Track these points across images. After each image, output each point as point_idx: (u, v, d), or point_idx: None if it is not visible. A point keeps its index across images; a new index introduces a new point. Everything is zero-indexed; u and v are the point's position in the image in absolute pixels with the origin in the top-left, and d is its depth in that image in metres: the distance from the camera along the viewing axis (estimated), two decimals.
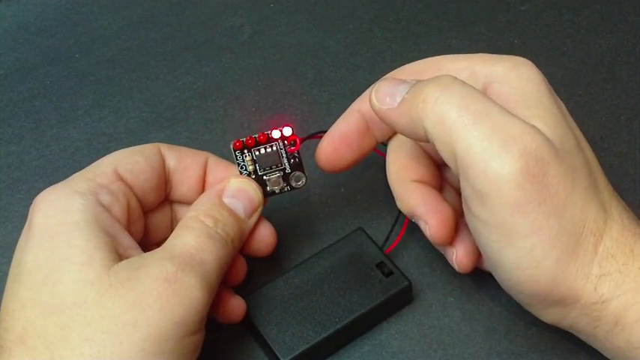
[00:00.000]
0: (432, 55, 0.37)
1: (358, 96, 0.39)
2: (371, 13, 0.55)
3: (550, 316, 0.33)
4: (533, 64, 0.35)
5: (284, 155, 0.38)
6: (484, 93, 0.33)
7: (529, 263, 0.31)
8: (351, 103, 0.39)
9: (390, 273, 0.39)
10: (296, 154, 0.38)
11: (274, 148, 0.38)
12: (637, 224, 0.33)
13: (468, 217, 0.34)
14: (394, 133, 0.39)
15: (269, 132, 0.38)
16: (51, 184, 0.35)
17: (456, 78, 0.33)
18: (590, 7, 0.54)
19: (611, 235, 0.32)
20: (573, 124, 0.35)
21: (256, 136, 0.38)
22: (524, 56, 0.35)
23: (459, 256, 0.37)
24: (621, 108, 0.48)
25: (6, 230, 0.45)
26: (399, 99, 0.34)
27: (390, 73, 0.38)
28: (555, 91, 0.35)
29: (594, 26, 0.53)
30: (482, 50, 0.52)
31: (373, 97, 0.35)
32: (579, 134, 0.34)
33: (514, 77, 0.34)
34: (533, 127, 0.32)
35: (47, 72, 0.52)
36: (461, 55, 0.37)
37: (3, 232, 0.44)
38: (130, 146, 0.38)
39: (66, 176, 0.36)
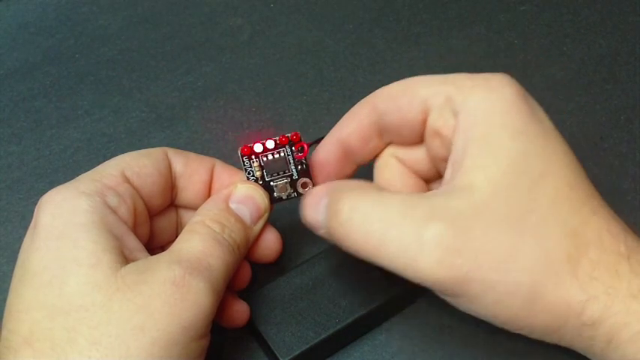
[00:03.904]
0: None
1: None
2: (371, 13, 0.55)
3: (548, 340, 0.33)
4: (511, 84, 0.33)
5: (291, 162, 0.38)
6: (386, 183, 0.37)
7: (499, 312, 0.31)
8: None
9: (392, 274, 0.38)
10: (304, 161, 0.38)
11: (282, 154, 0.38)
12: (620, 241, 0.32)
13: None
14: (377, 154, 0.39)
15: (277, 138, 0.38)
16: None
17: (351, 189, 0.34)
18: (590, 7, 0.54)
19: (589, 259, 0.31)
20: (552, 142, 0.33)
21: (264, 142, 0.37)
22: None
23: None
24: (621, 108, 0.48)
25: (6, 230, 0.44)
26: (323, 223, 0.34)
27: (367, 97, 0.37)
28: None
29: (594, 26, 0.53)
30: (482, 50, 0.52)
31: (304, 220, 0.36)
32: (556, 153, 0.33)
33: (482, 111, 0.33)
34: (436, 201, 0.31)
35: (47, 72, 0.52)
36: (437, 77, 0.35)
37: (3, 232, 0.44)
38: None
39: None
